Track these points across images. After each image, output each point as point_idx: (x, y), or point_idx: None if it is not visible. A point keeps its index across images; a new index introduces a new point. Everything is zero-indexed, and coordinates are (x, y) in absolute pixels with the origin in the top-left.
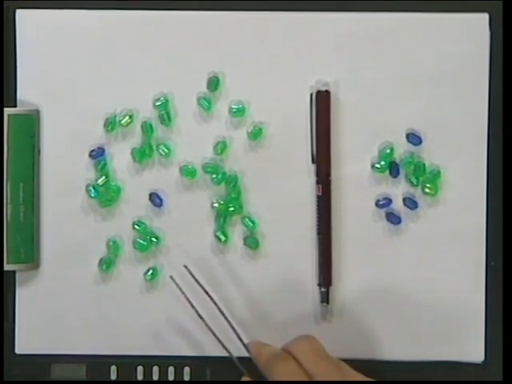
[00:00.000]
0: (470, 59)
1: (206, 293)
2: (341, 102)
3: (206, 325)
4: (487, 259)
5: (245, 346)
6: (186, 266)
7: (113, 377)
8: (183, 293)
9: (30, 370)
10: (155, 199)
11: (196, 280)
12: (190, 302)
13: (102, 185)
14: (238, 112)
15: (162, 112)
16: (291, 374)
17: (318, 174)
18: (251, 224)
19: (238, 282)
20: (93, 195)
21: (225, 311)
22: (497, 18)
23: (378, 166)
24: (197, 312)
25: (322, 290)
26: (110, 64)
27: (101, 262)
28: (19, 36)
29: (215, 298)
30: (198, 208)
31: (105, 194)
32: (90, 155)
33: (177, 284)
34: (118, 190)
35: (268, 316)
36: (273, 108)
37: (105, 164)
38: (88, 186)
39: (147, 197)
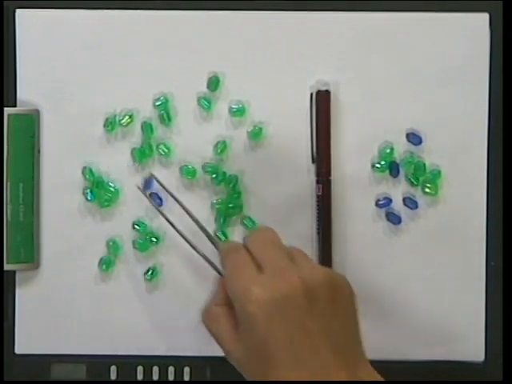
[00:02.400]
0: (470, 59)
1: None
2: (341, 102)
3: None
4: (487, 259)
5: (214, 244)
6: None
7: (113, 377)
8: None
9: (30, 370)
10: (155, 199)
11: (163, 186)
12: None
13: (98, 186)
14: (238, 112)
15: (162, 112)
16: (240, 263)
17: (318, 173)
18: (251, 224)
19: None
20: (89, 198)
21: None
22: (497, 17)
23: (378, 165)
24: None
25: None
26: (110, 64)
27: (101, 261)
28: (19, 35)
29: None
30: (198, 208)
31: (103, 196)
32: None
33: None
34: (116, 192)
35: None
36: (273, 108)
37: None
38: (85, 189)
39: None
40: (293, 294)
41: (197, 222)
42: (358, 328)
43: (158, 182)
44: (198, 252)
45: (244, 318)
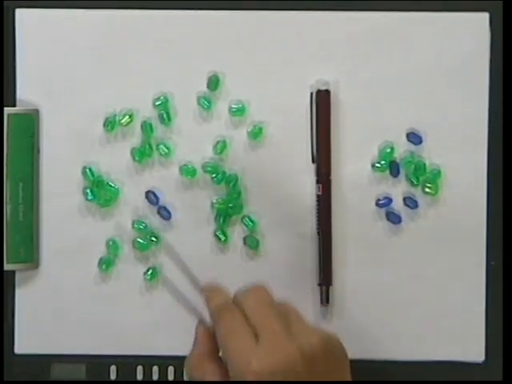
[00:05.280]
0: (469, 59)
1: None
2: (341, 101)
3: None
4: (487, 259)
5: (200, 288)
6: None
7: (113, 377)
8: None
9: (30, 370)
10: (151, 197)
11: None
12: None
13: (98, 186)
14: (238, 111)
15: (162, 111)
16: (235, 329)
17: (318, 173)
18: (251, 224)
19: (237, 282)
20: (89, 198)
21: None
22: (497, 17)
23: (378, 165)
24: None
25: (322, 289)
26: (109, 64)
27: (100, 261)
28: (19, 35)
29: None
30: (197, 208)
31: (103, 195)
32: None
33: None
34: (116, 192)
35: None
36: (273, 107)
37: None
38: (85, 188)
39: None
40: (292, 364)
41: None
42: (350, 380)
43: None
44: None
45: None
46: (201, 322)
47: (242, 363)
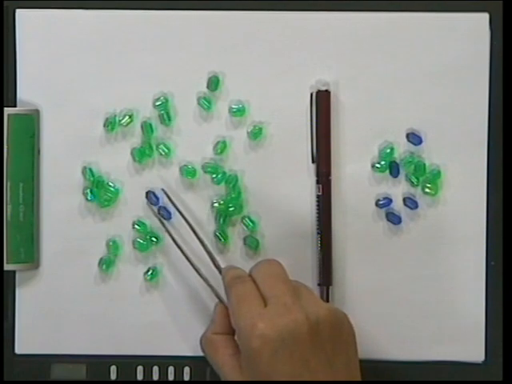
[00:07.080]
0: (469, 59)
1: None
2: (341, 102)
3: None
4: (487, 259)
5: (218, 269)
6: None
7: (113, 377)
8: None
9: (30, 370)
10: (151, 197)
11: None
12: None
13: (98, 186)
14: (238, 112)
15: (162, 112)
16: (246, 296)
17: (318, 173)
18: (251, 224)
19: None
20: (89, 198)
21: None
22: (497, 17)
23: (378, 165)
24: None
25: (322, 290)
26: (109, 64)
27: (101, 261)
28: (19, 36)
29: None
30: (197, 208)
31: (103, 196)
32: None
33: (168, 196)
34: (116, 192)
35: None
36: (273, 108)
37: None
38: (85, 189)
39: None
40: (298, 331)
41: (203, 243)
42: (357, 362)
43: (168, 197)
44: (200, 275)
45: (248, 352)
46: (220, 302)
47: (248, 327)
